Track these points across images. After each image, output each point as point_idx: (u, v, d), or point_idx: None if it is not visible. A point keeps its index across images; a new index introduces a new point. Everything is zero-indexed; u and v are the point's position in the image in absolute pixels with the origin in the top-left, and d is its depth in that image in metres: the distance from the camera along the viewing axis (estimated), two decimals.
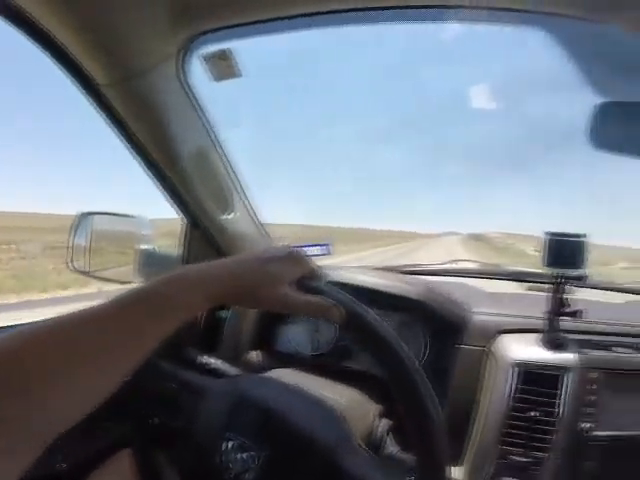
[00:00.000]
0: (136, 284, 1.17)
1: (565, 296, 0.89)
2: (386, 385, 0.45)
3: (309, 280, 0.50)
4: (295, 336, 1.14)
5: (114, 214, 1.25)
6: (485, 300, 1.13)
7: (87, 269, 1.21)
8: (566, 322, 0.90)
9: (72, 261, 1.21)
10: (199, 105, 0.89)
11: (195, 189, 0.98)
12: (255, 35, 0.77)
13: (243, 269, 0.46)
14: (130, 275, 1.19)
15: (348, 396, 0.83)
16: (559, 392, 0.83)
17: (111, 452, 0.86)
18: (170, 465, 0.64)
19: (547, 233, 0.90)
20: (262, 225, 1.24)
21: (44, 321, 0.36)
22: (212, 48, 0.78)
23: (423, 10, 0.77)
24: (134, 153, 0.88)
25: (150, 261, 1.19)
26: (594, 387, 0.84)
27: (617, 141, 0.78)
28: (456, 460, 0.93)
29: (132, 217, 1.20)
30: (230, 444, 0.54)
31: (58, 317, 0.37)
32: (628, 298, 1.31)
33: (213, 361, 0.89)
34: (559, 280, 0.89)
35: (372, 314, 0.47)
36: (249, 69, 0.81)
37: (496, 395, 0.87)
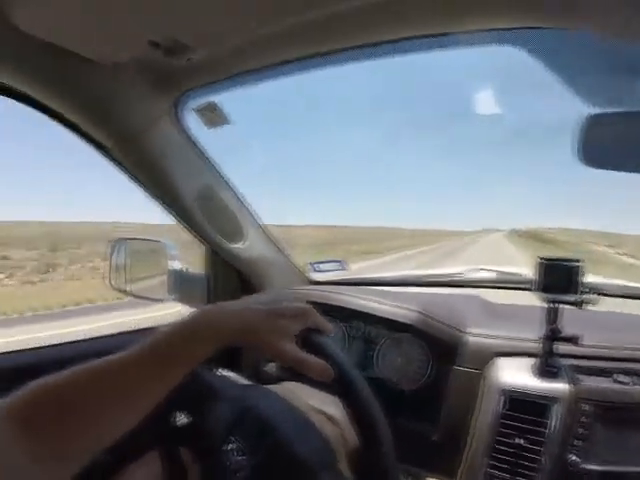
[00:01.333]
0: (168, 300, 1.29)
1: (559, 322, 0.87)
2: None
3: (313, 335, 0.55)
4: None
5: (144, 239, 1.39)
6: (490, 317, 1.11)
7: (125, 288, 1.36)
8: (563, 346, 0.88)
9: (111, 280, 1.37)
10: (200, 149, 0.98)
11: (209, 222, 1.09)
12: (239, 86, 0.84)
13: (252, 321, 0.51)
14: (162, 292, 1.32)
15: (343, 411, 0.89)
16: (547, 422, 0.83)
17: (144, 450, 0.99)
18: (193, 464, 0.74)
19: (540, 258, 0.88)
20: (274, 243, 1.31)
21: (92, 363, 0.45)
22: (202, 100, 0.86)
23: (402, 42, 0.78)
24: (150, 196, 0.99)
25: (179, 280, 1.30)
26: (584, 419, 0.82)
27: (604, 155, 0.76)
28: (450, 477, 0.96)
29: (160, 241, 1.32)
30: (231, 446, 0.62)
31: (98, 362, 0.46)
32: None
33: (231, 374, 0.98)
34: (553, 305, 0.87)
35: (359, 378, 0.53)
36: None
37: (485, 419, 0.88)
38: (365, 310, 1.13)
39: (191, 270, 1.34)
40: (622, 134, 0.73)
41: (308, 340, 0.54)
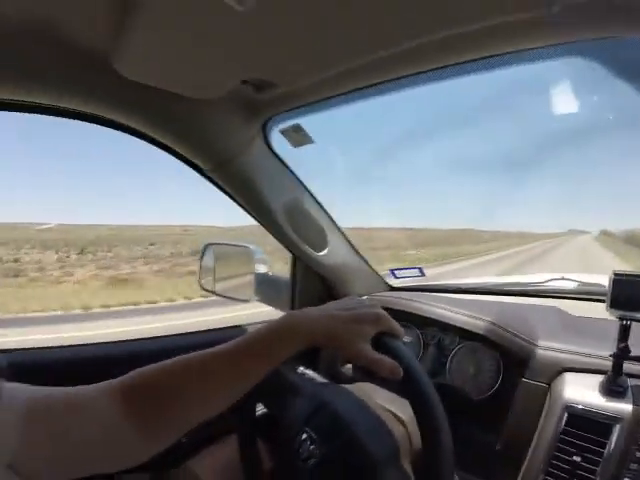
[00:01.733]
0: (252, 301, 1.40)
1: (631, 340, 0.84)
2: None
3: (386, 338, 0.59)
4: None
5: (232, 244, 1.52)
6: (563, 331, 1.08)
7: (213, 288, 1.49)
8: (633, 365, 0.85)
9: (201, 281, 1.51)
10: (287, 166, 1.07)
11: (295, 232, 1.19)
12: (321, 110, 0.90)
13: (333, 326, 0.57)
14: (248, 293, 1.43)
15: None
16: (606, 442, 0.80)
17: (222, 435, 1.11)
18: (267, 451, 0.83)
19: (614, 273, 0.85)
20: (355, 251, 1.38)
21: (188, 355, 0.54)
22: (288, 123, 0.94)
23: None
24: (244, 210, 1.12)
25: (265, 282, 1.41)
26: None
27: None
28: None
29: (246, 246, 1.43)
30: (304, 436, 0.70)
31: (194, 354, 0.54)
32: None
33: (310, 372, 1.05)
34: (625, 323, 0.84)
35: (426, 380, 0.56)
36: None
37: (547, 433, 0.87)
38: (439, 318, 1.15)
39: (276, 274, 1.44)
40: None
41: (381, 343, 0.58)
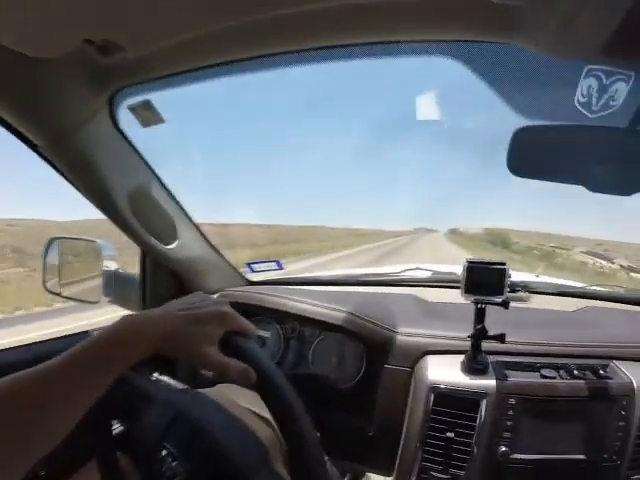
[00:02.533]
0: (102, 303, 1.24)
1: (487, 321, 0.92)
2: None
3: (234, 338, 0.54)
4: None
5: (79, 238, 1.33)
6: (422, 316, 1.16)
7: (58, 290, 1.30)
8: (491, 344, 0.93)
9: (45, 282, 1.30)
10: (134, 148, 0.95)
11: (140, 222, 1.05)
12: (176, 85, 0.82)
13: (174, 328, 0.51)
14: (97, 295, 1.27)
15: None
16: (475, 416, 0.87)
17: (83, 460, 0.95)
18: (132, 470, 0.72)
19: (467, 261, 0.93)
20: (210, 244, 1.30)
21: (18, 373, 0.44)
22: (138, 98, 0.83)
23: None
24: (82, 194, 0.95)
25: (114, 281, 1.27)
26: (512, 413, 0.87)
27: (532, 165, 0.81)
28: (387, 474, 1.00)
29: (94, 241, 1.27)
30: (164, 452, 0.61)
31: (25, 371, 0.45)
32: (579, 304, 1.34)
33: (165, 378, 0.95)
34: (481, 306, 0.92)
35: (281, 381, 0.53)
36: None
37: (417, 414, 0.92)
38: (298, 312, 1.14)
39: (127, 271, 1.31)
40: (547, 145, 0.78)
41: (230, 344, 0.54)
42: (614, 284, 1.49)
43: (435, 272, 1.47)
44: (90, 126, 0.83)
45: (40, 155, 0.86)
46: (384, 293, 1.37)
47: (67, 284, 1.31)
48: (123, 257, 1.38)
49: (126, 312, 1.25)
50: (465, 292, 0.92)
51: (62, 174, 0.90)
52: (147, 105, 0.83)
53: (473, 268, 0.92)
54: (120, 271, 1.28)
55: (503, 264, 0.92)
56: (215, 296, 1.28)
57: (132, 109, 0.84)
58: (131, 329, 0.50)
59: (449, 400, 0.90)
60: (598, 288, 1.47)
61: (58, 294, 1.31)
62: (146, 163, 1.00)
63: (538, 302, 1.32)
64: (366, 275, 1.52)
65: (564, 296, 1.38)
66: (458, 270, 1.45)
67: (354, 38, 0.73)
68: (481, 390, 0.89)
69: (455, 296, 1.26)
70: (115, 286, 1.27)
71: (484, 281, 0.91)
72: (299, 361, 1.17)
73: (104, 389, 0.47)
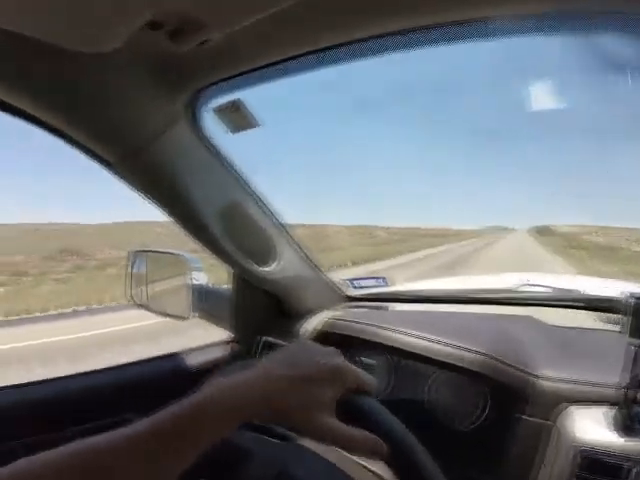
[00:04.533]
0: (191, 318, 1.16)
1: None
2: None
3: (354, 399, 0.45)
4: None
5: (165, 252, 1.27)
6: (561, 354, 0.94)
7: (146, 303, 1.25)
8: None
9: (132, 295, 1.26)
10: (223, 157, 0.81)
11: (234, 243, 0.92)
12: (267, 80, 0.66)
13: (274, 389, 0.42)
14: (186, 310, 1.19)
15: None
16: None
17: None
18: None
19: (635, 296, 0.72)
20: (310, 261, 1.15)
21: (81, 444, 0.37)
22: (224, 99, 0.69)
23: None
24: (166, 214, 0.83)
25: (203, 296, 1.19)
26: None
27: None
28: None
29: (181, 254, 1.19)
30: None
31: (88, 442, 0.37)
32: None
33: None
34: None
35: (420, 448, 0.44)
36: None
37: (556, 478, 0.75)
38: (415, 351, 0.97)
39: (216, 286, 1.23)
40: None
41: (349, 407, 0.44)
42: None
43: (552, 288, 1.25)
44: (168, 136, 0.70)
45: (115, 173, 0.74)
46: (499, 314, 1.17)
47: (154, 298, 1.26)
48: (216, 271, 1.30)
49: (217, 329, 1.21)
50: (633, 336, 0.71)
51: (141, 192, 0.78)
52: (237, 106, 0.68)
53: None
54: (210, 286, 1.21)
55: None
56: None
57: (219, 112, 0.69)
58: (222, 397, 0.41)
59: (599, 465, 0.71)
60: None
61: (146, 307, 1.26)
62: (238, 174, 0.86)
63: None
64: (476, 291, 1.31)
65: None
66: (576, 284, 1.25)
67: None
68: (637, 455, 0.69)
69: (576, 317, 1.09)
70: (205, 302, 1.18)
71: None
72: (412, 395, 1.00)
73: (188, 464, 0.39)
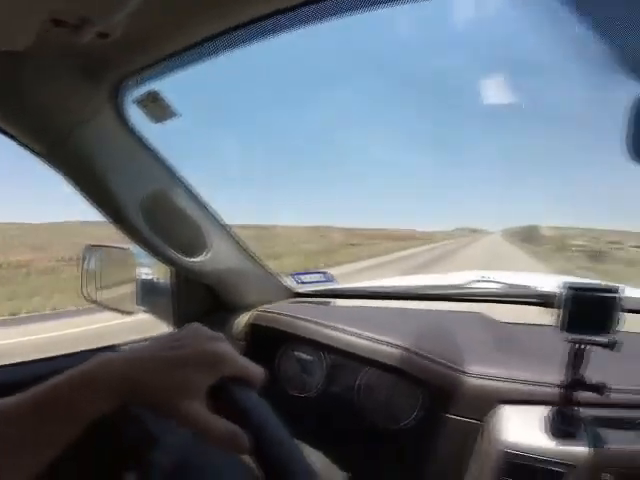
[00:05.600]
0: (137, 313, 1.16)
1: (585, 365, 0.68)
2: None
3: (229, 388, 0.42)
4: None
5: (114, 246, 1.26)
6: (496, 349, 0.92)
7: (96, 298, 1.25)
8: (585, 395, 0.69)
9: (83, 290, 1.26)
10: (149, 148, 0.82)
11: (160, 234, 0.91)
12: (178, 69, 0.67)
13: (146, 372, 0.40)
14: (132, 304, 1.19)
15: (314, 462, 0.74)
16: None
17: None
18: None
19: (567, 286, 0.68)
20: (247, 252, 1.15)
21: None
22: (144, 90, 0.70)
23: None
24: (91, 204, 0.83)
25: (150, 290, 1.19)
26: None
27: None
28: None
29: (128, 249, 1.19)
30: None
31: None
32: None
33: None
34: (579, 347, 0.68)
35: (291, 446, 0.40)
36: None
37: None
38: (345, 348, 0.97)
39: (163, 279, 1.21)
40: None
41: (222, 396, 0.41)
42: None
43: (505, 284, 1.23)
44: (94, 126, 0.71)
45: (47, 163, 0.75)
46: (446, 311, 1.17)
47: (104, 292, 1.25)
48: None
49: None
50: (564, 329, 0.68)
51: (71, 182, 0.78)
52: (154, 97, 0.69)
53: (577, 297, 0.68)
54: (156, 280, 1.20)
55: (615, 290, 0.67)
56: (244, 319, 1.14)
57: (138, 103, 0.71)
58: (103, 371, 0.40)
59: (525, 471, 0.68)
60: None
61: (95, 302, 1.26)
62: (164, 163, 0.86)
63: (630, 324, 1.03)
64: (424, 287, 1.31)
65: None
66: (531, 281, 1.23)
67: None
68: (568, 461, 0.67)
69: (529, 314, 1.06)
70: (150, 296, 1.18)
71: (588, 314, 0.67)
72: (343, 392, 1.00)
73: (70, 438, 0.38)
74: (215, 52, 0.65)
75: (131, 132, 0.77)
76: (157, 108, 0.71)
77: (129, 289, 1.21)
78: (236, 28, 0.60)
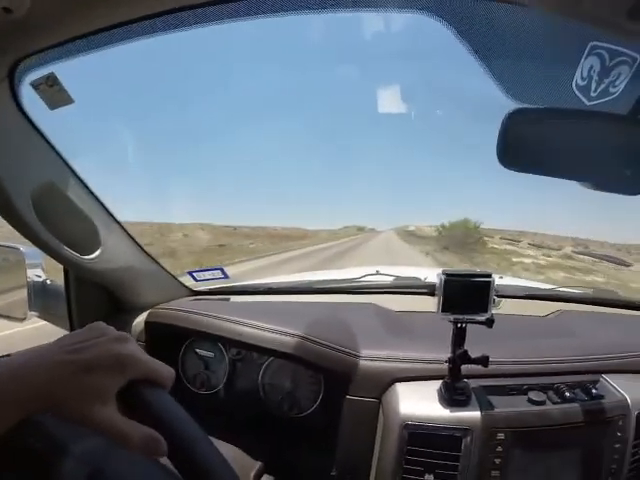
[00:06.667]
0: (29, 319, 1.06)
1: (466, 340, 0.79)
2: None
3: (139, 390, 0.40)
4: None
5: (2, 245, 1.15)
6: (388, 335, 1.01)
7: None
8: (471, 367, 0.79)
9: None
10: (42, 136, 0.78)
11: (48, 228, 0.85)
12: (78, 53, 0.65)
13: (50, 380, 0.37)
14: (24, 310, 1.10)
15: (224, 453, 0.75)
16: (458, 454, 0.74)
17: None
18: None
19: (444, 273, 0.78)
20: (142, 250, 1.12)
21: None
22: (42, 73, 0.67)
23: None
24: None
25: (43, 294, 1.11)
26: (499, 449, 0.74)
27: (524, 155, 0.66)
28: None
29: (18, 248, 1.09)
30: None
31: None
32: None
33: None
34: (460, 326, 0.78)
35: (205, 443, 0.40)
36: None
37: (388, 455, 0.78)
38: (246, 340, 0.98)
39: (55, 282, 1.13)
40: (544, 133, 0.64)
41: (133, 399, 0.40)
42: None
43: (398, 277, 1.35)
44: None
45: None
46: (342, 303, 1.23)
47: None
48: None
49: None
50: (442, 310, 0.77)
51: None
52: (52, 80, 0.66)
53: (451, 282, 0.77)
54: (48, 282, 1.12)
55: (488, 275, 0.78)
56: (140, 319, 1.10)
57: (35, 86, 0.67)
58: (7, 381, 0.36)
59: (426, 438, 0.75)
60: (567, 290, 1.42)
61: None
62: (57, 153, 0.81)
63: (506, 307, 1.22)
64: (321, 282, 1.39)
65: (533, 299, 1.29)
66: (422, 274, 1.37)
67: None
68: (464, 425, 0.75)
69: (421, 303, 1.15)
70: (43, 300, 1.10)
71: (465, 296, 0.77)
72: (248, 386, 1.02)
73: None
74: (119, 40, 0.64)
75: (24, 116, 0.73)
76: (54, 93, 0.67)
77: (19, 293, 1.11)
78: (144, 18, 0.60)
